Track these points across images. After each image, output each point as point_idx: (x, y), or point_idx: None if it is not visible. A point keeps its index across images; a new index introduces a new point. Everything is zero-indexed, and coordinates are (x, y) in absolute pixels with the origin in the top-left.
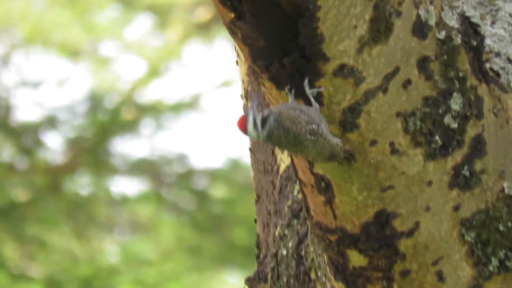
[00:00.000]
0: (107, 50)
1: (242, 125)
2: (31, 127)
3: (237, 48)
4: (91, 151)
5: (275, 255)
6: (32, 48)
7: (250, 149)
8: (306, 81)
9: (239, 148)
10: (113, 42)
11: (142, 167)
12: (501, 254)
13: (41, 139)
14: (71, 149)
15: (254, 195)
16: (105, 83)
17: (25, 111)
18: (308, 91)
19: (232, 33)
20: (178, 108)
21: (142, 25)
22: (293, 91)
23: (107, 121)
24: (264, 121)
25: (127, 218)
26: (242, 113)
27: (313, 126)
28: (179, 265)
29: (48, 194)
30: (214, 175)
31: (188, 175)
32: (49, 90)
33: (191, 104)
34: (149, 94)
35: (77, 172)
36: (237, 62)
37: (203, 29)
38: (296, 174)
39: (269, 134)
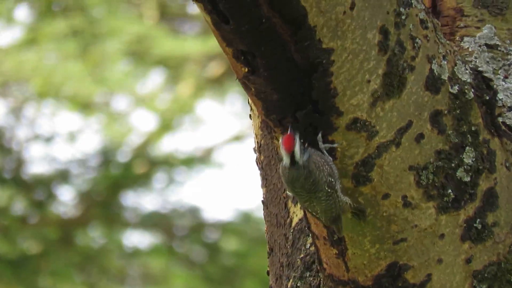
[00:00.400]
0: (119, 104)
1: (289, 141)
2: (43, 181)
3: (250, 102)
4: (103, 204)
5: None
6: (44, 102)
7: (263, 201)
8: (319, 135)
9: (250, 201)
10: (125, 96)
11: (154, 220)
12: None
13: (53, 192)
14: (83, 202)
15: (266, 248)
16: (118, 137)
17: (38, 165)
18: (321, 145)
19: (246, 87)
20: (190, 162)
21: (154, 79)
22: (306, 145)
23: (119, 175)
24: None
25: (139, 271)
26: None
27: (332, 180)
28: None
29: (60, 247)
30: (225, 228)
31: (199, 228)
32: (62, 144)
33: (203, 158)
34: (161, 148)
35: (89, 225)
36: (250, 116)
37: (215, 84)
38: (309, 227)
39: (304, 165)
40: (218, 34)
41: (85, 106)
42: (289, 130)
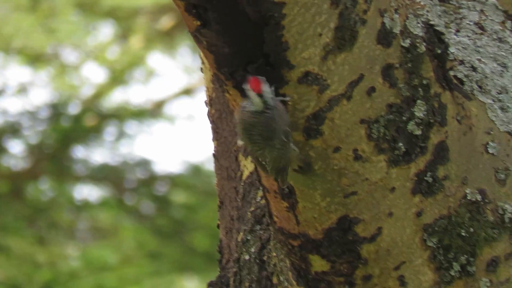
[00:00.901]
0: (69, 57)
1: (257, 82)
2: None
3: (201, 55)
4: (53, 157)
5: (238, 260)
6: None
7: (214, 155)
8: (272, 88)
9: (200, 154)
10: (75, 49)
11: (104, 173)
12: (463, 259)
13: (3, 145)
14: (33, 155)
15: (215, 201)
16: (68, 89)
17: None
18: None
19: (197, 40)
20: (140, 115)
21: (105, 32)
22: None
23: (69, 128)
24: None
25: (88, 224)
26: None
27: (289, 130)
28: (140, 270)
29: (10, 200)
30: (175, 180)
31: (149, 181)
32: (12, 97)
33: (154, 111)
34: (112, 101)
35: (39, 178)
36: (201, 69)
37: (166, 37)
38: (260, 180)
39: (273, 106)
40: None
41: (35, 59)
42: (252, 75)
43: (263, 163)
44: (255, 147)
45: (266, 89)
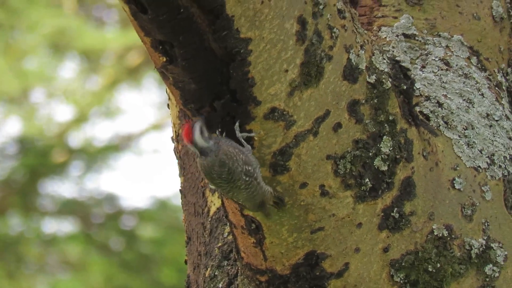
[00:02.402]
0: (38, 96)
1: (188, 133)
2: None
3: (168, 91)
4: (21, 192)
5: None
6: None
7: (181, 190)
8: (237, 124)
9: (166, 189)
10: (44, 88)
11: (71, 208)
12: None
13: None
14: (1, 190)
15: (183, 236)
16: (35, 126)
17: None
18: (238, 134)
19: (164, 76)
20: (107, 150)
21: (72, 69)
22: (224, 134)
23: (37, 163)
24: (209, 137)
25: (57, 258)
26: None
27: (249, 168)
28: None
29: None
30: (142, 215)
31: (116, 216)
32: None
33: (121, 147)
34: (78, 138)
35: (7, 213)
36: (168, 105)
37: (133, 73)
38: (227, 216)
39: (211, 151)
40: (136, 23)
41: (4, 99)
42: (187, 120)
43: (240, 203)
44: (222, 190)
45: (197, 136)
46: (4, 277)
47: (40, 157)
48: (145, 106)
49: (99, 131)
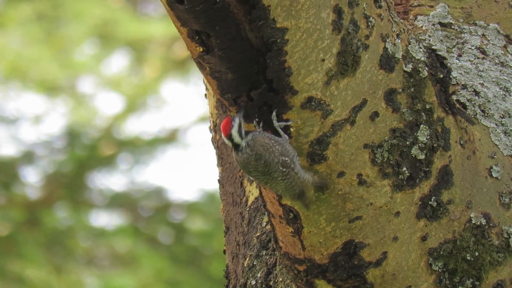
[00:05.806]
0: (85, 87)
1: (226, 126)
2: (9, 163)
3: (205, 81)
4: (69, 185)
5: (244, 285)
6: (9, 85)
7: (219, 180)
8: (274, 114)
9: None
10: (91, 79)
11: (119, 201)
12: (468, 283)
13: (18, 174)
14: (49, 184)
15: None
16: (83, 118)
17: (3, 147)
18: (276, 124)
19: (201, 66)
20: (155, 142)
21: (120, 61)
22: (261, 124)
23: (84, 156)
24: (246, 133)
25: (106, 252)
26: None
27: (286, 159)
28: None
29: (27, 229)
30: (190, 208)
31: (165, 209)
32: (27, 126)
33: (168, 139)
34: (127, 130)
35: (55, 207)
36: (205, 95)
37: (180, 65)
38: (265, 206)
39: (248, 147)
40: (173, 13)
41: (51, 89)
42: (228, 115)
43: (279, 193)
44: (260, 182)
45: (234, 131)
46: (53, 272)
47: (88, 150)
48: (192, 98)
49: (147, 123)
